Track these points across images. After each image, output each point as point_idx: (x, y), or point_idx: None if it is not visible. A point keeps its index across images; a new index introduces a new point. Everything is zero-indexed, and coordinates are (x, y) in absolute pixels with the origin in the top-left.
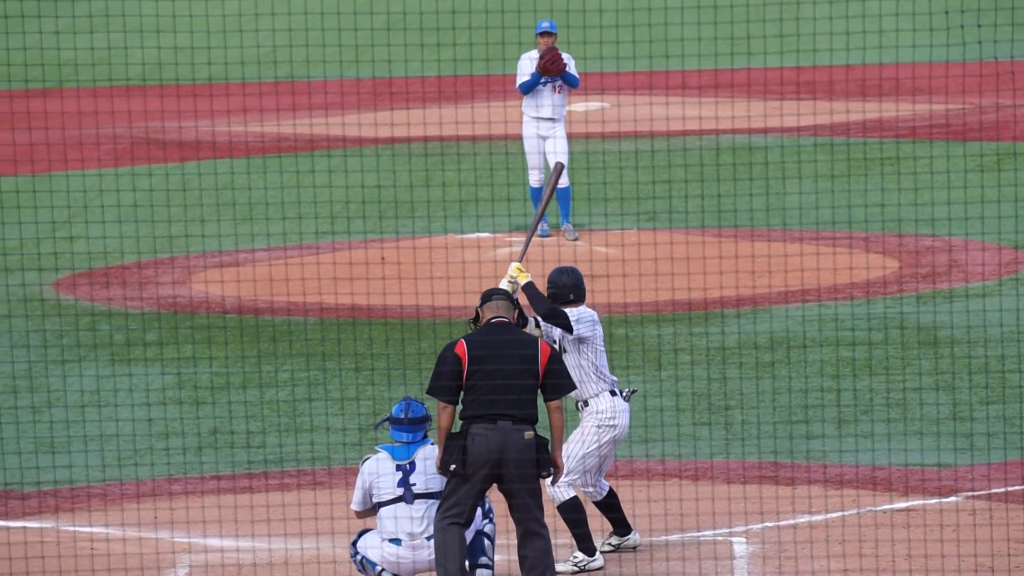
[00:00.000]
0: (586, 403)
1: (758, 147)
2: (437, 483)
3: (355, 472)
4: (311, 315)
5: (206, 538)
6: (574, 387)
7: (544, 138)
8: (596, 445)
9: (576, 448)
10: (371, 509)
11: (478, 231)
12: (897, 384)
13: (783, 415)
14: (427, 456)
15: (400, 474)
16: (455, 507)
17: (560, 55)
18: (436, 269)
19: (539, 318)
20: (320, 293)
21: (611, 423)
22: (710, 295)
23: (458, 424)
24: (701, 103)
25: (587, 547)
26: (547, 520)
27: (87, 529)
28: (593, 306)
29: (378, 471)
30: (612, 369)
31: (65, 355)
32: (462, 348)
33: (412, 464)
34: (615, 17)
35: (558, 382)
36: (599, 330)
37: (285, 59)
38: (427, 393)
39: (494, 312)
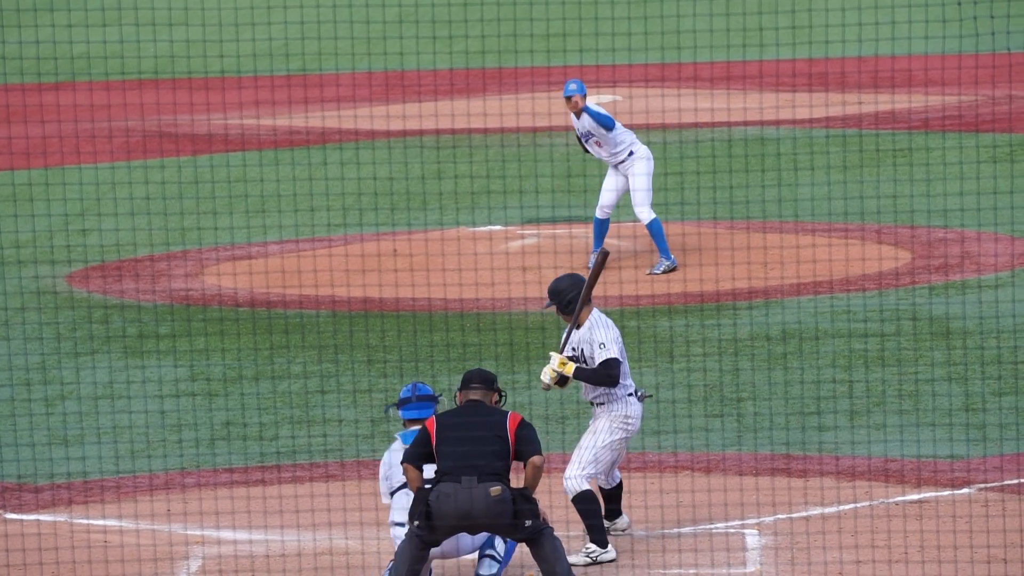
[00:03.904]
0: (603, 403)
1: (770, 139)
2: None
3: (367, 464)
4: (323, 308)
5: (219, 531)
6: (541, 452)
7: (625, 176)
8: (609, 442)
9: (589, 441)
10: None
11: (490, 224)
12: (909, 376)
13: (795, 407)
14: None
15: None
16: (422, 532)
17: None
18: (448, 262)
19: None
20: (332, 286)
21: (626, 425)
22: (722, 287)
23: None
24: (713, 95)
25: (600, 539)
26: (559, 512)
27: (101, 522)
28: (606, 299)
29: (391, 461)
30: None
31: (78, 348)
32: (431, 423)
33: None
34: (627, 9)
35: (531, 448)
36: (619, 341)
37: (297, 52)
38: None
39: (467, 397)
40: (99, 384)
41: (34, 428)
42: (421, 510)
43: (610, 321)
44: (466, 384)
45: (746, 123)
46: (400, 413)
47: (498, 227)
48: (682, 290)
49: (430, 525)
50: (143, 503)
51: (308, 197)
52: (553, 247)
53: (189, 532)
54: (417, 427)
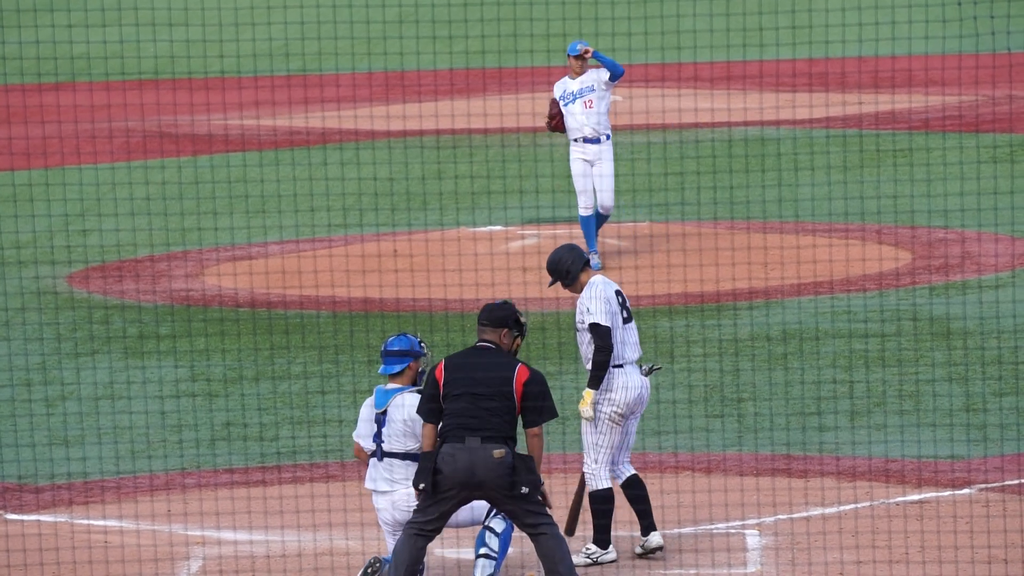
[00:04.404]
0: None
1: (771, 139)
2: (401, 443)
3: (368, 465)
4: (324, 308)
5: (220, 531)
6: (555, 414)
7: (591, 163)
8: (603, 421)
9: (589, 438)
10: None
11: (490, 224)
12: (910, 376)
13: (796, 407)
14: (399, 405)
15: (375, 427)
16: (423, 520)
17: (558, 119)
18: (448, 262)
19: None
20: (333, 286)
21: (611, 399)
22: (723, 287)
23: None
24: (713, 95)
25: (602, 539)
26: (560, 512)
27: (101, 522)
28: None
29: (364, 416)
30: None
31: (79, 348)
32: (440, 369)
33: (384, 415)
34: (627, 9)
35: (536, 405)
36: (611, 307)
37: (297, 52)
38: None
39: (481, 336)
40: (99, 384)
41: (34, 428)
42: (428, 470)
43: (604, 287)
44: (478, 321)
45: (746, 123)
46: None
47: (498, 227)
48: (682, 290)
49: (436, 489)
50: (143, 503)
51: (308, 197)
52: (553, 247)
53: (189, 532)
54: (394, 385)
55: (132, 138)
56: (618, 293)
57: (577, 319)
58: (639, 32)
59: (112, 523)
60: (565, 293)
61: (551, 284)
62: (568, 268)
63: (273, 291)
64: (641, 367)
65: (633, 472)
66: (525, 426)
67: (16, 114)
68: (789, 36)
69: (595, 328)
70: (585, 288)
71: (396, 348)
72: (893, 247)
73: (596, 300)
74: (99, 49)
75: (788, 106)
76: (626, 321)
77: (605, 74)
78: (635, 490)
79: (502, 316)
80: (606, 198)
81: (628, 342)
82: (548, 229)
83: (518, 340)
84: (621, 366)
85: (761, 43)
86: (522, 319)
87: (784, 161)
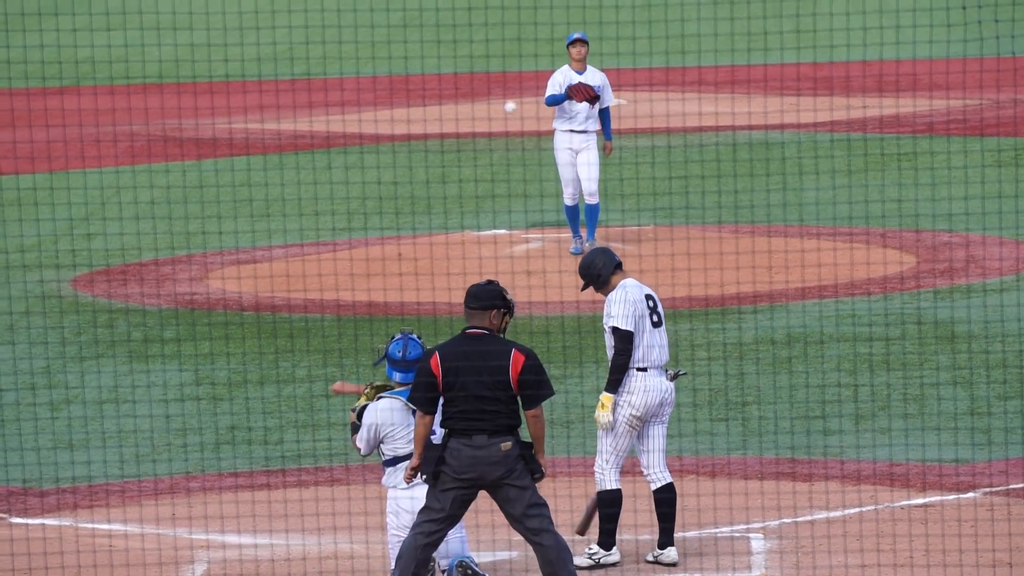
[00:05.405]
0: None
1: (775, 143)
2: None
3: (371, 468)
4: (328, 312)
5: (224, 535)
6: (552, 393)
7: (576, 152)
8: (619, 424)
9: (603, 439)
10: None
11: (495, 228)
12: (914, 380)
13: (800, 411)
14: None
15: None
16: (430, 520)
17: (589, 90)
18: (453, 266)
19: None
20: (337, 290)
21: (629, 402)
22: (727, 291)
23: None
24: (718, 99)
25: (606, 542)
26: (563, 515)
27: (105, 526)
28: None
29: (392, 420)
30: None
31: (83, 352)
32: (436, 362)
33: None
34: (631, 13)
35: (533, 392)
36: (637, 310)
37: (302, 56)
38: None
39: (470, 321)
40: (104, 388)
41: (39, 432)
42: (434, 462)
43: (633, 292)
44: (465, 305)
45: (751, 127)
46: (387, 371)
47: (502, 231)
48: (687, 294)
49: (437, 480)
50: (148, 507)
51: (313, 201)
52: (558, 251)
53: (194, 536)
54: (402, 387)
55: (137, 142)
56: (648, 297)
57: (603, 320)
58: (644, 36)
59: (117, 527)
60: (568, 296)
61: (583, 288)
62: (599, 272)
63: (277, 295)
64: (667, 372)
65: (669, 480)
66: (524, 408)
67: (21, 118)
68: (794, 40)
69: (615, 331)
70: (613, 290)
71: (415, 357)
72: (897, 251)
73: (619, 303)
74: (104, 53)
75: (793, 110)
76: (656, 325)
77: (604, 101)
78: (666, 496)
79: (489, 300)
80: (592, 184)
81: (655, 345)
82: (552, 233)
83: (507, 318)
84: (645, 369)
85: (766, 47)
86: (508, 296)
87: (789, 165)
